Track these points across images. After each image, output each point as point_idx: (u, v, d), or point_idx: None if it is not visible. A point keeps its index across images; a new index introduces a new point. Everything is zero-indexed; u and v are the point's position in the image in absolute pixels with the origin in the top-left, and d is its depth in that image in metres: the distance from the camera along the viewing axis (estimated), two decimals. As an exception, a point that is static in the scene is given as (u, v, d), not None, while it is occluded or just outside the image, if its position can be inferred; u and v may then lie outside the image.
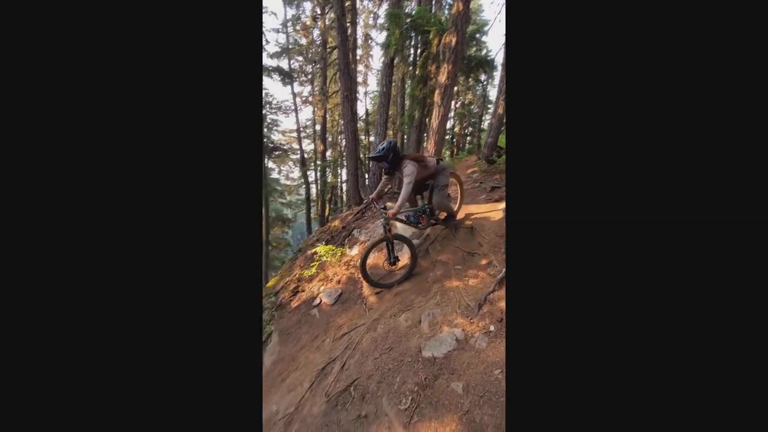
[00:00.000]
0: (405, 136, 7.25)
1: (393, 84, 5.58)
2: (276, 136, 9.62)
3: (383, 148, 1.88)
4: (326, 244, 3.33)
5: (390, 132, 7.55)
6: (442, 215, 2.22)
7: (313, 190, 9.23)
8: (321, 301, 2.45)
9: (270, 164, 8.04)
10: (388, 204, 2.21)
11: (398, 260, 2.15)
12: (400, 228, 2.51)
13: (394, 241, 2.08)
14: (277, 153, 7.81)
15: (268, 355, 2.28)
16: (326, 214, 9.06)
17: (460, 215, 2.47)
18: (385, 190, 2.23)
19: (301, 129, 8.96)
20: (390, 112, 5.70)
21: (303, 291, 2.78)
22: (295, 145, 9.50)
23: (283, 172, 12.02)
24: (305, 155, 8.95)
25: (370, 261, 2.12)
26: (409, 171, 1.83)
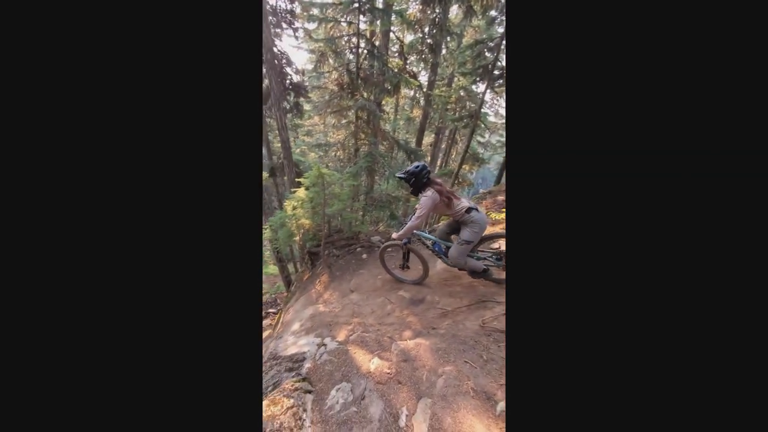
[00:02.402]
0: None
1: None
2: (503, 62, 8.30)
3: (408, 171, 1.76)
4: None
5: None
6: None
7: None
8: (499, 247, 2.40)
9: (488, 95, 7.41)
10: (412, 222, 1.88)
11: (408, 268, 2.25)
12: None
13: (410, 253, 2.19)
14: (499, 82, 6.92)
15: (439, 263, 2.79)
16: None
17: None
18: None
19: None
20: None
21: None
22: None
23: (493, 107, 10.88)
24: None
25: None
26: (424, 200, 1.69)
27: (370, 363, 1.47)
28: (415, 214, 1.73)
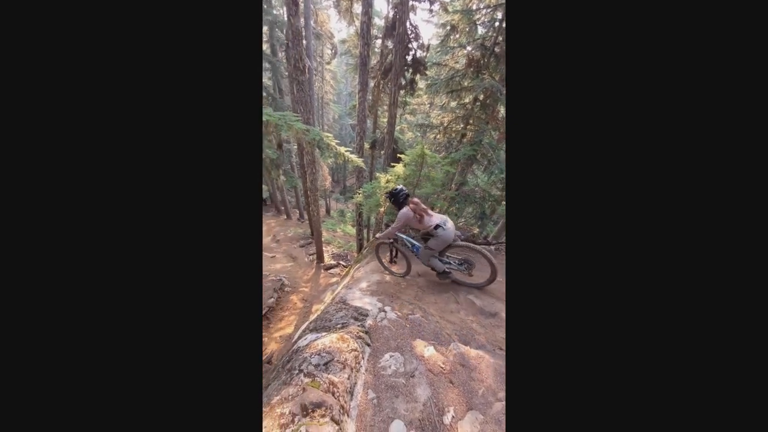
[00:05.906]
0: None
1: None
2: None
3: (390, 191, 2.22)
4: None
5: None
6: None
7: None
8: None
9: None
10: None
11: (395, 262, 2.66)
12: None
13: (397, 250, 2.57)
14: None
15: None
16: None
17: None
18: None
19: None
20: None
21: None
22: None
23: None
24: None
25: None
26: (400, 215, 2.09)
27: (425, 349, 1.47)
28: (393, 224, 2.16)
